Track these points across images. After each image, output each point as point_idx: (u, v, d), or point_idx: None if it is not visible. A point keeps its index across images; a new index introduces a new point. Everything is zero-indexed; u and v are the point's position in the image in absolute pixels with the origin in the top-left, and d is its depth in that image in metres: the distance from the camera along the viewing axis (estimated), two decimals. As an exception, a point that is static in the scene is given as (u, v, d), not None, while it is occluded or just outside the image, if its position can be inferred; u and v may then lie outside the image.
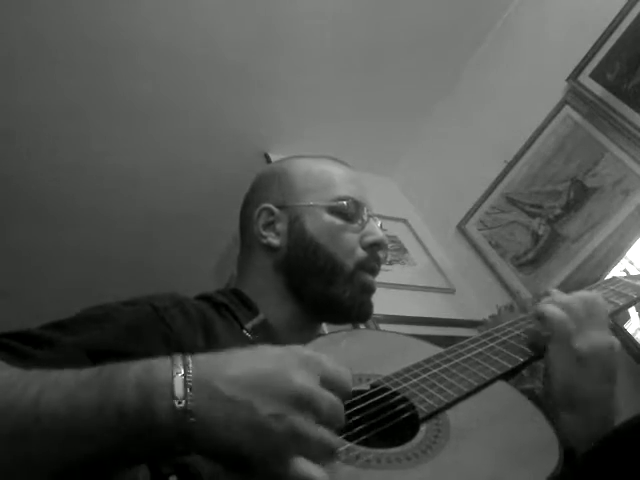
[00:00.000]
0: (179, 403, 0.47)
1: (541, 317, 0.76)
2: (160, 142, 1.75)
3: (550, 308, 0.76)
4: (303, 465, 0.47)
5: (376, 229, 0.96)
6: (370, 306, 0.95)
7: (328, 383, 0.51)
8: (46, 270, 1.82)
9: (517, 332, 0.80)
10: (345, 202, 0.94)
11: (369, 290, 0.94)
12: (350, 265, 0.91)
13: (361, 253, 0.93)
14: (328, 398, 0.50)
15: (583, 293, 0.81)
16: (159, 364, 0.50)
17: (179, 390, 0.47)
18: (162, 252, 1.92)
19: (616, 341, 0.75)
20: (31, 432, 0.48)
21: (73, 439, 0.48)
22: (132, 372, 0.49)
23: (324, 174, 0.98)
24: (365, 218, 0.95)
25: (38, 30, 1.48)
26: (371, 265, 0.94)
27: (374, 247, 0.94)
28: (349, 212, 0.94)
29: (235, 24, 1.62)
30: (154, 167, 1.78)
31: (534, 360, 0.76)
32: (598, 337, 0.74)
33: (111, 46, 1.55)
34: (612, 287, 0.94)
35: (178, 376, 0.48)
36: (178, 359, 0.50)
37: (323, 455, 0.49)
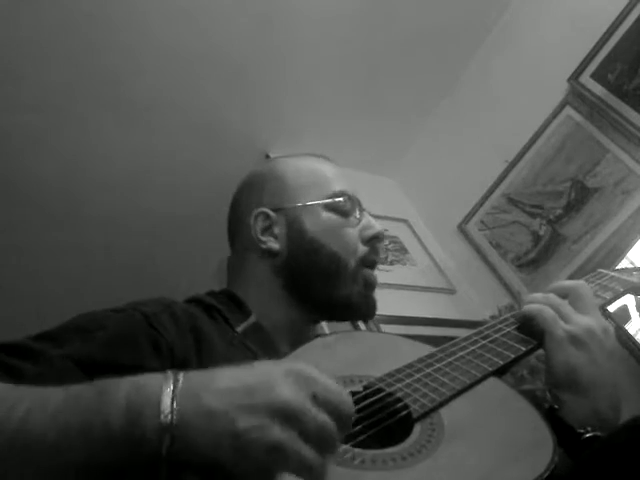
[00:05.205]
0: (165, 417, 0.46)
1: (524, 318, 0.79)
2: (161, 143, 1.75)
3: (527, 307, 0.79)
4: None
5: (372, 222, 0.96)
6: (375, 302, 0.95)
7: (322, 403, 0.48)
8: (46, 270, 1.82)
9: (508, 329, 0.80)
10: (341, 198, 0.94)
11: (372, 285, 0.94)
12: (353, 263, 0.91)
13: (362, 249, 0.93)
14: (316, 417, 0.47)
15: (561, 283, 0.83)
16: (150, 381, 0.49)
17: (165, 405, 0.46)
18: (163, 252, 1.91)
19: (609, 325, 0.77)
20: (17, 454, 0.47)
21: (60, 462, 0.47)
22: (122, 391, 0.48)
23: (314, 172, 0.97)
24: (360, 212, 0.95)
25: (38, 28, 1.48)
26: (371, 259, 0.94)
27: (374, 240, 0.95)
28: (345, 207, 0.94)
29: (236, 24, 1.63)
30: (155, 168, 1.79)
31: (531, 352, 0.77)
32: (589, 319, 0.76)
33: (112, 47, 1.55)
34: (599, 281, 0.94)
35: (167, 391, 0.47)
36: (169, 375, 0.49)
37: (306, 475, 0.45)
